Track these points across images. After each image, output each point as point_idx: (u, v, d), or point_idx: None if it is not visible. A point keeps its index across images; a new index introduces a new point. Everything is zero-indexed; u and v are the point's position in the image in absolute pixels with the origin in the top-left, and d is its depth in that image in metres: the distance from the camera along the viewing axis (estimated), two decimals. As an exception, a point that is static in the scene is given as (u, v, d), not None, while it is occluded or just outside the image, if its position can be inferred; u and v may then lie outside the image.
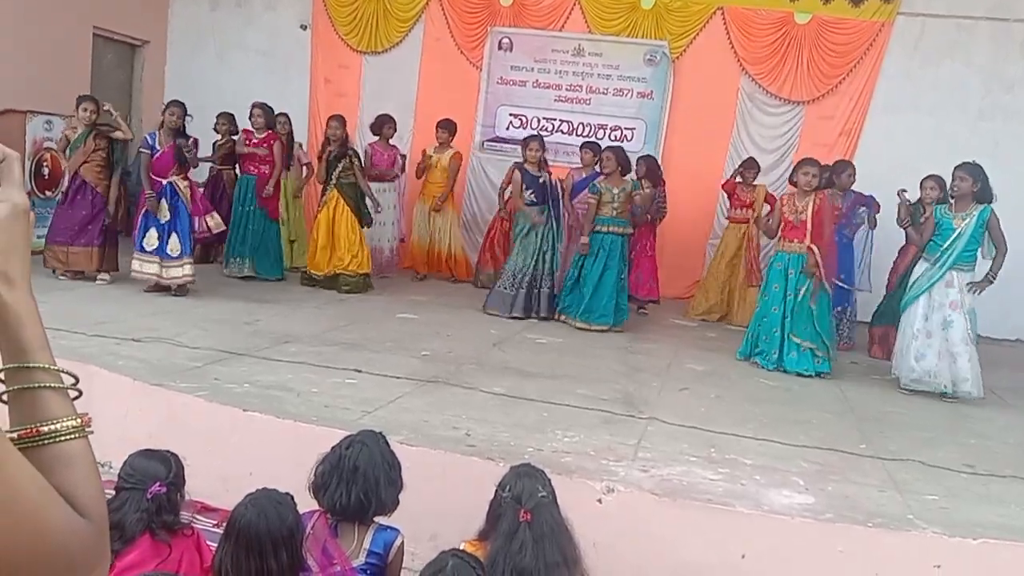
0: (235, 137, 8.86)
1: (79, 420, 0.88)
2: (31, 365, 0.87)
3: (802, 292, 6.23)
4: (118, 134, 7.26)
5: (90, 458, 0.89)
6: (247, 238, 8.12)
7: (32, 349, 0.87)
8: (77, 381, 0.92)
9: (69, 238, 7.06)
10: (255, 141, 8.23)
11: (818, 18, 9.06)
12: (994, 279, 5.86)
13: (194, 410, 4.17)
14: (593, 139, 9.03)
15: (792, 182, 6.45)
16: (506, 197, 8.68)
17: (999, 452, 4.70)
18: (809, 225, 6.22)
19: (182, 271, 6.86)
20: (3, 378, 0.87)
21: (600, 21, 9.62)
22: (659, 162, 8.65)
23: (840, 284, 7.09)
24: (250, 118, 8.26)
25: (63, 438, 0.86)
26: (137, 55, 10.61)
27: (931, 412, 5.56)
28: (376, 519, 2.57)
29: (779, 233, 6.45)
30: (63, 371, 0.89)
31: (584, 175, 8.07)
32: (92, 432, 0.90)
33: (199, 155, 7.50)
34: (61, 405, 0.88)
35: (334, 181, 7.83)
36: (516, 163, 7.87)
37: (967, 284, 5.86)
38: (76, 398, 0.91)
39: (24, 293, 0.86)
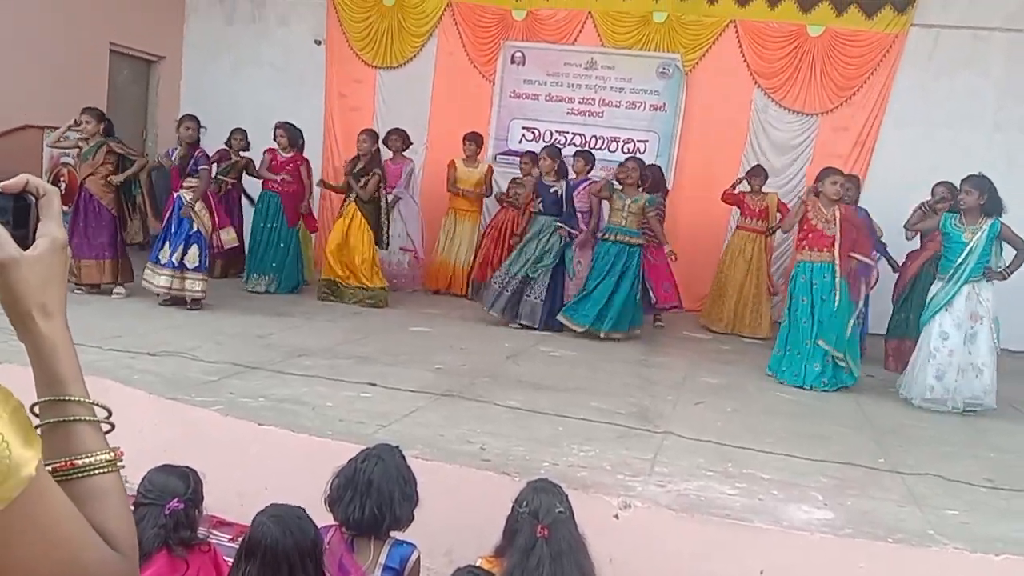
0: (245, 154, 8.92)
1: (112, 454, 0.90)
2: (66, 398, 0.88)
3: (837, 299, 6.13)
4: (135, 157, 7.32)
5: (122, 491, 0.90)
6: (268, 255, 8.17)
7: (67, 381, 0.89)
8: (110, 414, 0.93)
9: (79, 251, 7.10)
10: (281, 160, 8.27)
11: (831, 30, 9.06)
12: (1008, 276, 5.79)
13: (209, 424, 4.17)
14: (590, 150, 9.02)
15: (818, 192, 6.27)
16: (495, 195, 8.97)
17: (1019, 466, 4.64)
18: (838, 236, 6.15)
19: (184, 283, 6.87)
20: (38, 411, 0.88)
21: (612, 35, 9.64)
22: (663, 172, 8.67)
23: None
24: (275, 138, 8.31)
25: (97, 471, 0.88)
26: (153, 71, 10.71)
27: (949, 425, 5.51)
28: (392, 534, 2.55)
29: (800, 239, 6.36)
30: (97, 404, 0.91)
31: (577, 179, 8.07)
32: (124, 466, 0.92)
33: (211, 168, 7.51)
34: (95, 438, 0.89)
35: (355, 195, 7.86)
36: (523, 180, 7.97)
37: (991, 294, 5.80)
38: (109, 431, 0.92)
39: (61, 325, 0.88)
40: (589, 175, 8.01)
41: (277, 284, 8.18)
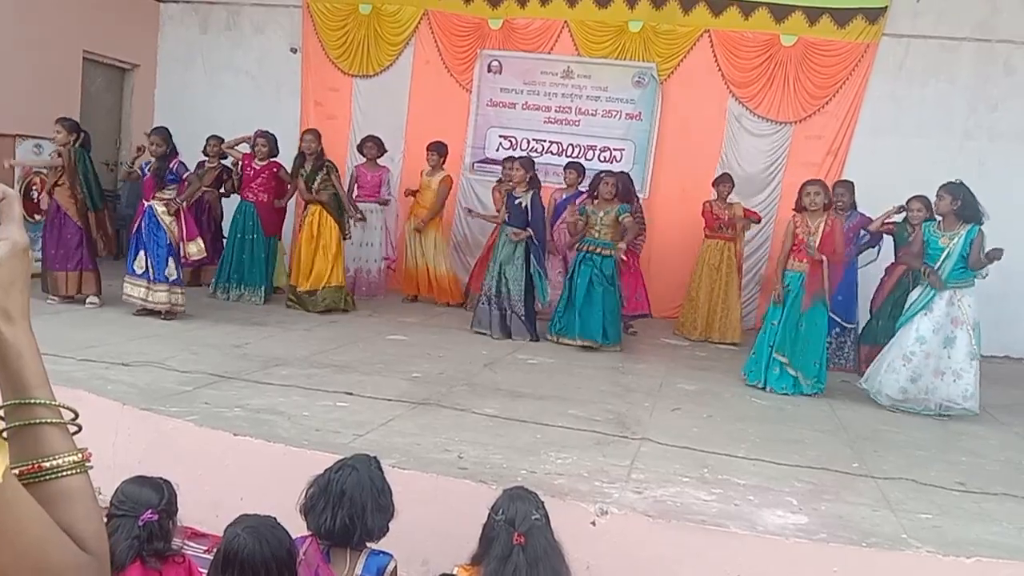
0: (225, 161, 8.88)
1: (80, 455, 0.89)
2: (32, 401, 0.88)
3: (802, 309, 6.19)
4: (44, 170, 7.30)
5: (91, 493, 0.90)
6: (242, 265, 8.12)
7: (32, 385, 0.88)
8: (77, 416, 0.93)
9: (54, 263, 7.06)
10: (256, 169, 8.24)
11: (804, 40, 9.16)
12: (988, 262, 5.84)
13: (184, 435, 4.14)
14: (580, 160, 9.11)
15: (801, 206, 6.36)
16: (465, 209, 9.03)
17: (991, 470, 4.71)
18: (817, 242, 6.22)
19: (156, 296, 6.82)
20: (3, 415, 0.88)
21: (588, 44, 9.69)
22: (631, 180, 8.70)
23: (834, 317, 7.05)
24: (253, 147, 8.26)
25: (64, 473, 0.87)
26: (127, 78, 10.63)
27: (923, 430, 5.57)
28: (368, 544, 2.54)
29: (790, 253, 6.41)
30: (63, 406, 0.90)
31: (565, 195, 8.10)
32: (92, 467, 0.91)
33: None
34: (62, 440, 0.89)
35: (314, 194, 7.86)
36: (507, 186, 7.94)
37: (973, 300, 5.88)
38: (76, 433, 0.92)
39: (24, 329, 0.87)
40: (580, 187, 8.02)
41: (252, 293, 8.12)
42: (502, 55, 9.91)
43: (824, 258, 6.19)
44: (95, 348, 5.52)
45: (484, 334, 7.43)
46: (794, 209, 6.46)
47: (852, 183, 7.62)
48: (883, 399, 6.02)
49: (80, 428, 0.93)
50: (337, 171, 8.07)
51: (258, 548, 2.20)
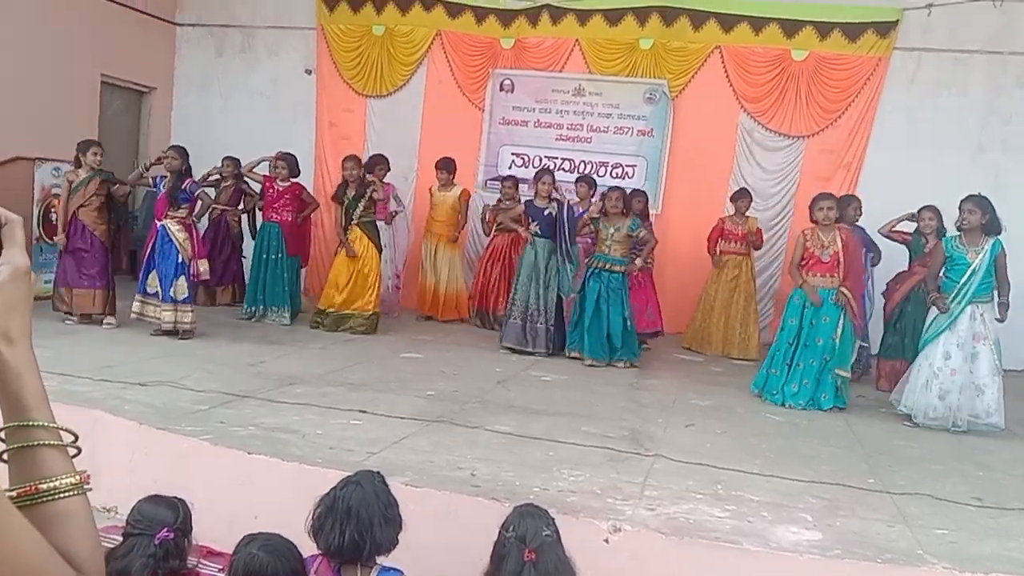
0: (244, 183, 8.99)
1: (78, 477, 0.90)
2: (30, 423, 0.89)
3: (839, 329, 6.22)
4: (118, 188, 7.34)
5: (88, 515, 0.90)
6: (268, 286, 8.19)
7: (31, 406, 0.89)
8: (77, 438, 0.93)
9: (72, 281, 7.12)
10: (279, 191, 8.31)
11: (815, 54, 9.18)
12: (1007, 304, 5.86)
13: (199, 453, 4.17)
14: (592, 175, 9.14)
15: (813, 220, 6.40)
16: (488, 219, 8.96)
17: (1007, 484, 4.67)
18: (841, 258, 6.22)
19: (165, 315, 6.88)
20: (3, 436, 0.89)
21: (600, 62, 9.75)
22: (647, 197, 8.76)
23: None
24: (273, 169, 8.35)
25: (62, 495, 0.88)
26: (144, 101, 10.78)
27: (938, 445, 5.53)
28: (379, 560, 2.56)
29: (803, 267, 6.40)
30: (62, 428, 0.91)
31: (580, 209, 8.14)
32: (91, 489, 0.92)
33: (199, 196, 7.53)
34: (60, 462, 0.90)
35: (355, 220, 7.90)
36: (526, 200, 8.00)
37: (993, 316, 5.87)
38: (76, 455, 0.93)
39: (25, 351, 0.89)
40: (592, 200, 8.07)
41: (277, 314, 8.19)
42: (514, 74, 9.98)
43: (846, 290, 6.22)
44: (112, 368, 5.57)
45: (521, 351, 7.45)
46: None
47: (855, 197, 7.65)
48: (921, 418, 5.95)
49: (79, 451, 0.93)
50: (378, 186, 8.10)
51: (278, 565, 2.22)
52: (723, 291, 8.36)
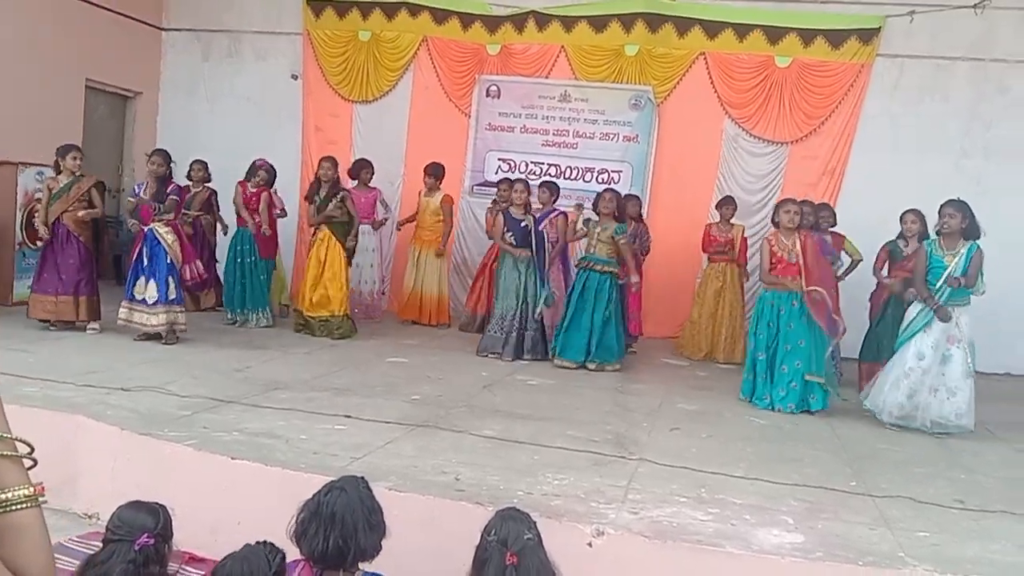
0: (209, 184, 8.96)
1: (32, 489, 0.88)
2: None
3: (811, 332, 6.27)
4: (88, 213, 7.22)
5: (42, 528, 0.88)
6: (245, 290, 8.19)
7: None
8: (32, 450, 0.92)
9: (55, 288, 7.04)
10: (250, 193, 8.29)
11: (799, 61, 9.24)
12: (963, 284, 5.83)
13: (182, 459, 4.16)
14: (555, 181, 9.09)
15: (775, 223, 6.50)
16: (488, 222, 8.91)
17: (989, 487, 4.70)
18: (802, 264, 6.27)
19: (157, 319, 6.86)
20: None
21: (585, 68, 9.79)
22: (640, 202, 8.84)
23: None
24: (254, 174, 8.32)
25: (15, 507, 0.86)
26: (129, 106, 10.74)
27: (922, 448, 5.57)
28: (361, 566, 2.55)
29: (771, 271, 6.45)
30: (18, 439, 0.89)
31: (539, 214, 8.15)
32: (46, 501, 0.89)
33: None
34: (14, 473, 0.88)
35: (323, 219, 7.90)
36: (500, 207, 7.99)
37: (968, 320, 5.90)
38: (31, 467, 0.91)
39: None
40: (555, 205, 8.08)
41: (258, 316, 8.19)
42: (500, 80, 10.01)
43: (819, 290, 6.24)
44: (96, 374, 5.54)
45: (494, 355, 7.48)
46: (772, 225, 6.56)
47: (827, 205, 7.83)
48: (885, 416, 6.02)
49: (36, 462, 0.91)
50: (351, 200, 8.08)
51: (241, 570, 2.22)
52: (709, 298, 8.40)
